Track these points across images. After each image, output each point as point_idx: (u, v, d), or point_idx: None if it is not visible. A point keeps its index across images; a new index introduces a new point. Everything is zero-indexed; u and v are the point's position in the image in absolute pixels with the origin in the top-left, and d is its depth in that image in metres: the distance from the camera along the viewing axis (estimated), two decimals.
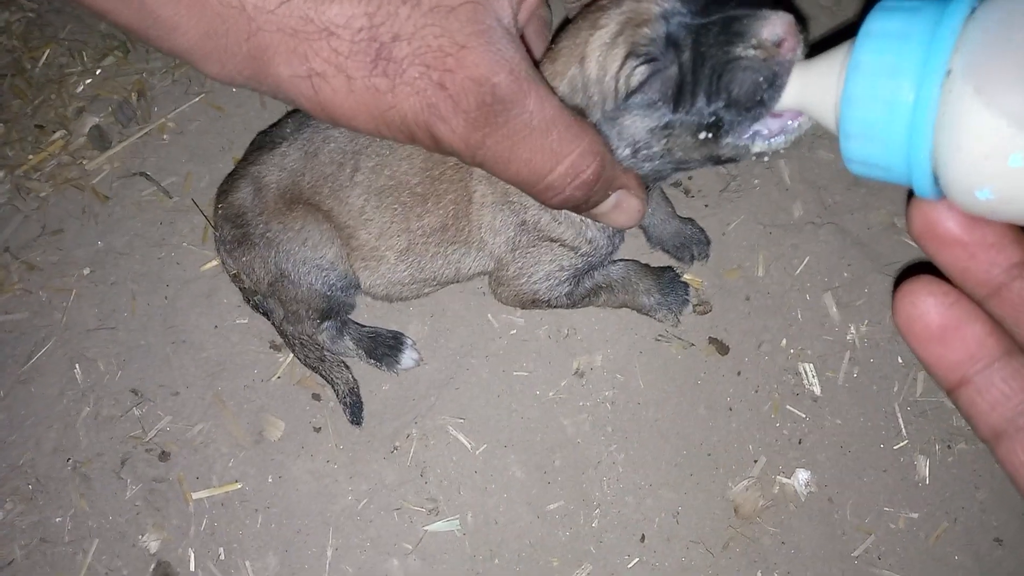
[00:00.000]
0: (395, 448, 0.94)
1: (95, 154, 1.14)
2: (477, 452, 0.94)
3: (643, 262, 1.00)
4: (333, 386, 0.95)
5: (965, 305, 0.56)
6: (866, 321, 1.00)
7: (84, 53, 1.20)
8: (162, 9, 0.50)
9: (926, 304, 0.56)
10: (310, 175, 0.86)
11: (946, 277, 0.51)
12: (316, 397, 0.97)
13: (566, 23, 0.72)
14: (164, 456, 0.96)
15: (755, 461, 0.96)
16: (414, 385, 0.97)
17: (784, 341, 1.00)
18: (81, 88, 1.19)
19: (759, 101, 0.59)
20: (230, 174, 0.95)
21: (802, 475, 0.96)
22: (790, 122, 0.62)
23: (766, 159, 0.64)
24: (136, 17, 0.50)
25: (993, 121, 0.46)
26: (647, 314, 0.98)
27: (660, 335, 1.00)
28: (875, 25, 0.54)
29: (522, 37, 0.80)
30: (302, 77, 0.55)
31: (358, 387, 0.95)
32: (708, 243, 1.01)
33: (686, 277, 1.01)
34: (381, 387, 0.97)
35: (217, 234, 0.94)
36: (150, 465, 0.96)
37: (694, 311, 1.00)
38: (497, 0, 0.57)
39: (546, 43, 0.80)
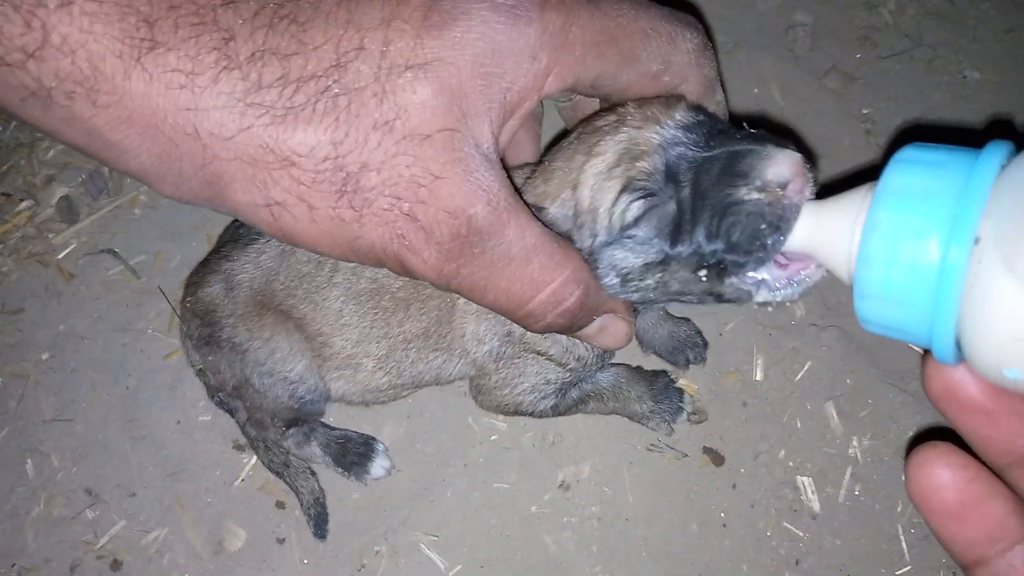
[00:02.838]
0: (363, 566, 0.87)
1: (62, 227, 1.08)
2: (450, 573, 0.87)
3: (636, 365, 0.95)
4: (297, 495, 0.89)
5: (985, 480, 0.50)
6: (869, 434, 0.94)
7: None
8: (112, 134, 0.46)
9: (942, 477, 0.50)
10: (285, 274, 0.80)
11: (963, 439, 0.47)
12: (280, 505, 0.91)
13: (564, 134, 0.68)
14: (116, 565, 0.89)
15: None
16: (386, 495, 0.91)
17: (782, 452, 0.94)
18: (52, 154, 1.14)
19: (762, 247, 0.53)
20: (201, 263, 0.89)
21: None
22: (800, 273, 0.57)
23: (770, 308, 0.58)
24: (85, 140, 0.46)
25: None
26: (639, 422, 0.92)
27: (652, 444, 0.94)
28: (897, 180, 0.49)
29: (515, 143, 0.75)
30: (260, 206, 0.50)
31: (324, 497, 0.89)
32: (704, 345, 0.96)
33: (681, 383, 0.95)
34: (351, 495, 0.91)
35: (183, 327, 0.89)
36: (100, 575, 0.89)
37: (688, 419, 0.94)
38: (476, 125, 0.52)
39: (537, 143, 0.75)
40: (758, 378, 0.97)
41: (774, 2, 1.23)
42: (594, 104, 0.67)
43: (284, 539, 0.90)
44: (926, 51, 1.18)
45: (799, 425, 0.95)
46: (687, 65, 0.61)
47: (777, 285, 0.56)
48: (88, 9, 0.43)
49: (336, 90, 0.48)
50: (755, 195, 0.53)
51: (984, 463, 0.50)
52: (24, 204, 1.10)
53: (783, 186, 0.52)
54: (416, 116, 0.50)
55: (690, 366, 0.95)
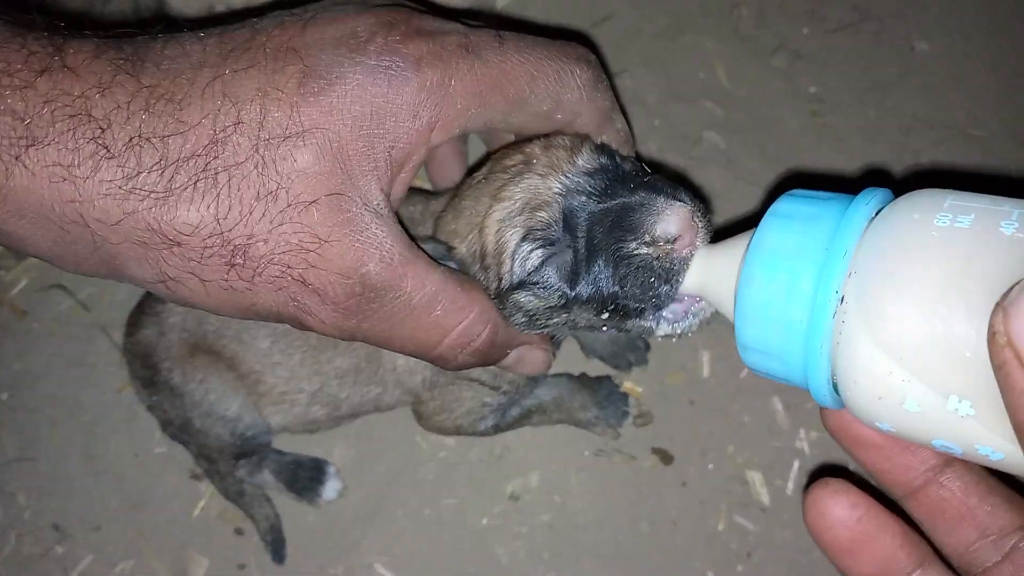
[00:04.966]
0: None
1: (12, 263, 1.09)
2: None
3: (579, 373, 0.95)
4: (254, 521, 0.91)
5: (875, 515, 0.51)
6: (816, 426, 0.95)
7: None
8: (6, 224, 0.48)
9: (834, 515, 0.51)
10: (215, 316, 0.81)
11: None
12: (239, 532, 0.93)
13: (488, 157, 0.68)
14: None
15: None
16: (339, 516, 0.93)
17: (731, 448, 0.95)
18: None
19: (655, 296, 0.55)
20: (138, 305, 0.90)
21: None
22: (695, 306, 0.58)
23: (674, 340, 0.60)
24: None
25: (886, 364, 0.42)
26: (585, 428, 0.93)
27: (600, 449, 0.95)
28: (769, 236, 0.49)
29: (440, 161, 0.75)
30: (156, 282, 0.52)
31: (280, 522, 0.91)
32: (646, 348, 0.96)
33: (626, 385, 0.96)
34: (306, 518, 0.93)
35: (128, 368, 0.90)
36: None
37: (634, 423, 0.95)
38: (364, 185, 0.53)
39: (463, 162, 0.75)
40: (705, 374, 0.98)
41: None
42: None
43: (244, 565, 0.92)
44: (874, 23, 1.15)
45: (746, 420, 0.96)
46: (578, 101, 0.61)
47: (675, 319, 0.58)
48: None
49: (216, 166, 0.49)
50: (644, 249, 0.54)
51: (883, 494, 0.52)
52: None
53: (671, 241, 0.54)
54: (299, 184, 0.50)
55: (632, 369, 0.96)
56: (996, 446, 0.39)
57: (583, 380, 0.93)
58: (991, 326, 0.34)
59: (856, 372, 0.43)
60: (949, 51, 1.13)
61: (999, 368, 0.34)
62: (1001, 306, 0.34)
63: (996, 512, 0.46)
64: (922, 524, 0.50)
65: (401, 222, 0.55)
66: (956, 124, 1.09)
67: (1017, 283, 0.34)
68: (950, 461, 0.47)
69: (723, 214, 1.04)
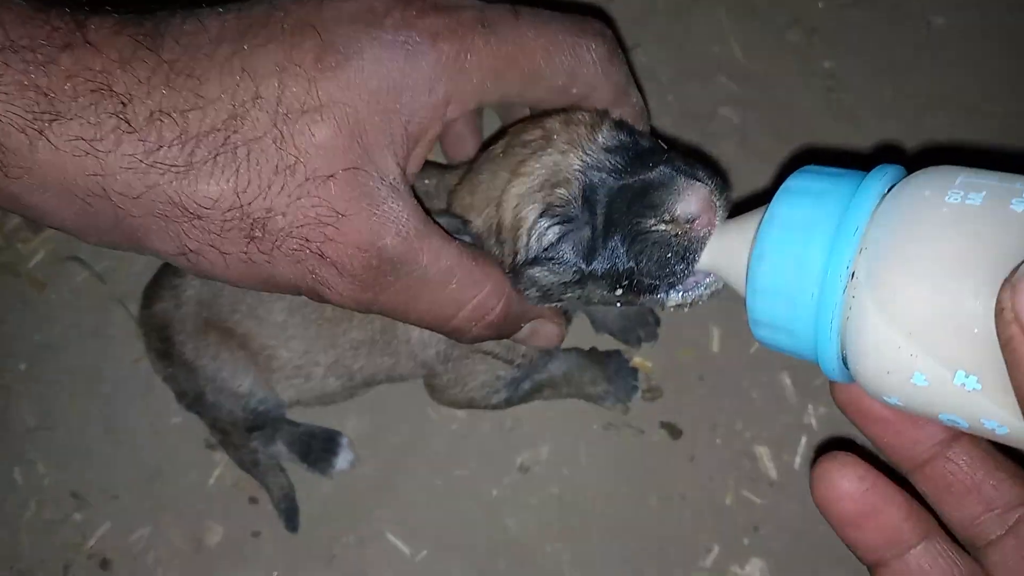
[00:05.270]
0: (333, 556, 0.92)
1: (30, 236, 1.11)
2: (416, 559, 0.91)
3: (589, 347, 0.96)
4: (268, 491, 0.93)
5: (882, 488, 0.52)
6: (824, 402, 0.95)
7: None
8: (29, 198, 0.49)
9: (841, 487, 0.52)
10: (230, 290, 0.82)
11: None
12: (253, 500, 0.95)
13: (503, 131, 0.69)
14: (105, 564, 0.95)
15: (708, 551, 0.93)
16: (352, 486, 0.94)
17: (739, 423, 0.96)
18: None
19: (671, 273, 0.55)
20: (155, 276, 0.91)
21: (757, 564, 0.92)
22: (706, 278, 0.59)
23: (685, 310, 0.60)
24: (9, 203, 0.50)
25: (895, 339, 0.42)
26: (595, 403, 0.94)
27: (609, 423, 0.96)
28: (782, 210, 0.49)
29: (455, 135, 0.75)
30: (177, 254, 0.53)
31: (293, 491, 0.93)
32: (657, 323, 0.97)
33: (635, 360, 0.97)
34: (319, 488, 0.95)
35: (144, 340, 0.92)
36: (91, 574, 0.95)
37: (643, 397, 0.96)
38: (380, 160, 0.54)
39: (478, 136, 0.76)
40: (714, 350, 0.98)
41: None
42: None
43: (259, 532, 0.94)
44: None
45: (755, 396, 0.97)
46: (594, 75, 0.61)
47: (687, 288, 0.59)
48: None
49: (235, 140, 0.50)
50: (662, 227, 0.55)
51: (890, 468, 0.52)
52: None
53: (690, 221, 0.54)
54: (317, 158, 0.51)
55: (642, 344, 0.97)
56: (1002, 420, 0.39)
57: (593, 355, 0.94)
58: (999, 302, 0.35)
59: (865, 347, 0.43)
60: (966, 27, 1.11)
61: (1006, 344, 0.34)
62: (1009, 282, 0.34)
63: (1002, 486, 0.47)
64: (928, 498, 0.50)
65: (416, 196, 0.55)
66: (972, 101, 1.08)
67: None
68: (957, 436, 0.48)
69: (737, 190, 1.04)
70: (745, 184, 1.04)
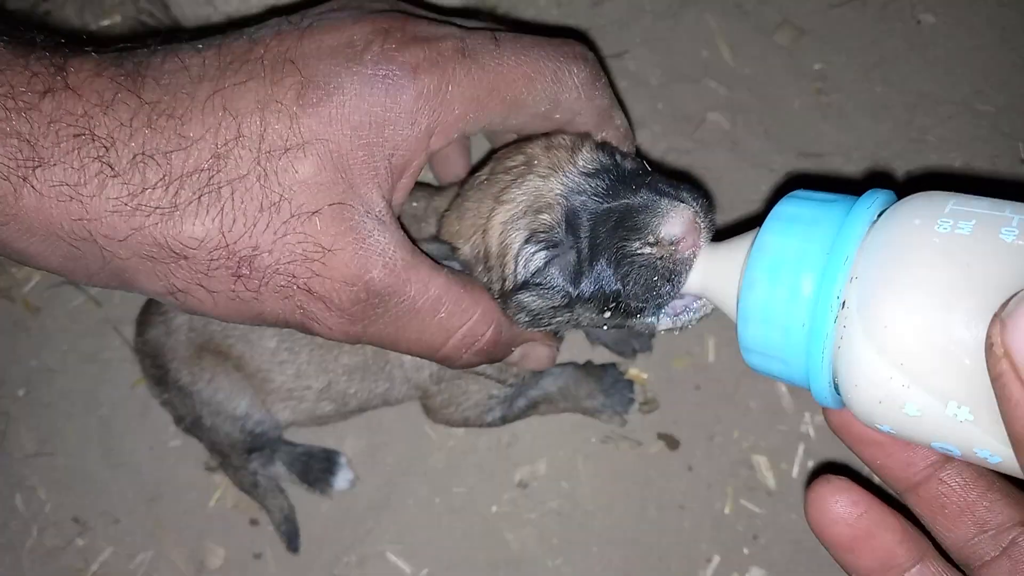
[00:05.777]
0: None
1: None
2: None
3: (584, 361, 0.96)
4: (268, 512, 0.93)
5: (876, 512, 0.52)
6: (820, 410, 0.95)
7: None
8: (17, 243, 0.49)
9: (835, 512, 0.52)
10: None
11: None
12: (254, 522, 0.95)
13: (490, 155, 0.68)
14: None
15: (708, 561, 0.93)
16: (352, 506, 0.94)
17: (736, 432, 0.96)
18: None
19: (657, 295, 0.55)
20: (145, 305, 0.91)
21: (757, 573, 0.92)
22: (695, 302, 0.59)
23: (676, 333, 0.60)
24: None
25: (886, 369, 0.42)
26: (592, 416, 0.94)
27: (607, 436, 0.96)
28: (772, 239, 0.49)
29: (443, 158, 0.75)
30: (165, 293, 0.53)
31: (294, 512, 0.93)
32: (651, 335, 0.96)
33: (632, 372, 0.97)
34: (319, 508, 0.95)
35: (140, 366, 0.92)
36: None
37: (640, 409, 0.96)
38: (365, 193, 0.54)
39: (467, 158, 0.75)
40: (710, 359, 0.98)
41: None
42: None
43: (260, 554, 0.94)
44: None
45: (752, 405, 0.97)
46: (577, 100, 0.61)
47: (676, 313, 0.59)
48: None
49: (219, 180, 0.49)
50: (647, 249, 0.55)
51: (883, 490, 0.52)
52: None
53: (675, 242, 0.54)
54: (301, 194, 0.51)
55: (637, 356, 0.96)
56: (994, 450, 0.39)
57: (588, 368, 0.94)
58: (988, 337, 0.34)
59: (857, 377, 0.43)
60: (956, 24, 1.11)
61: (996, 379, 0.34)
62: (999, 317, 0.34)
63: (995, 508, 0.47)
64: (923, 519, 0.50)
65: (404, 220, 0.55)
66: (963, 99, 1.08)
67: (1015, 295, 0.34)
68: (950, 458, 0.48)
69: (728, 196, 1.04)
70: (737, 190, 1.04)
